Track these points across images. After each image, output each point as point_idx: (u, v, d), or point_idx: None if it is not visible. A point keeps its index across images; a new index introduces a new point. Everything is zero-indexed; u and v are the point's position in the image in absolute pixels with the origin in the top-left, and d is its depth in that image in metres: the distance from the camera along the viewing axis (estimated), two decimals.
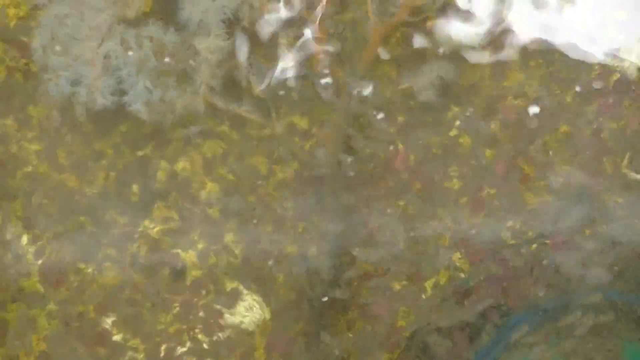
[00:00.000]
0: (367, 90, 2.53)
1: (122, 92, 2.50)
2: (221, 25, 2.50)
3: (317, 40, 2.53)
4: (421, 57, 2.53)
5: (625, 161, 2.55)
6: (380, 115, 2.54)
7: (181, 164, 2.55)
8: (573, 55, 2.54)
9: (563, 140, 2.55)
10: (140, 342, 2.52)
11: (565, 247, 2.54)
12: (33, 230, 2.53)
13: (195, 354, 2.52)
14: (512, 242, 2.54)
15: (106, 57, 2.49)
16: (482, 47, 2.54)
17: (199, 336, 2.52)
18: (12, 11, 2.54)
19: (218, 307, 2.53)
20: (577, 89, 2.55)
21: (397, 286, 2.54)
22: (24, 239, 2.53)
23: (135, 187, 2.54)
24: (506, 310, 2.55)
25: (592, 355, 2.57)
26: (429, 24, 2.52)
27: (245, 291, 2.53)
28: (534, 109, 2.55)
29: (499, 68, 2.55)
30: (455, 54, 2.53)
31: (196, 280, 2.53)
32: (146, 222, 2.53)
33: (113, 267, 2.52)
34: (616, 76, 2.54)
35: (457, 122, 2.55)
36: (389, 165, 2.54)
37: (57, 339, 2.51)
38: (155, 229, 2.53)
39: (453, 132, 2.55)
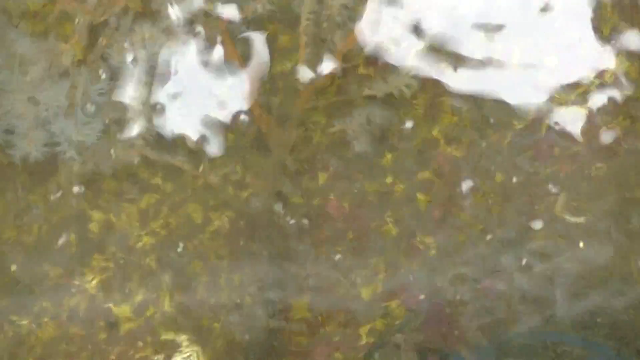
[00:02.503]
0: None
1: (55, 144, 2.50)
2: (152, 75, 2.50)
3: (250, 91, 2.53)
4: (352, 103, 2.54)
5: (559, 204, 2.56)
6: (312, 164, 2.54)
7: (116, 216, 2.54)
8: (506, 100, 2.55)
9: (498, 185, 2.56)
10: None
11: (500, 290, 2.55)
12: None
13: None
14: (449, 287, 2.55)
15: (37, 109, 2.48)
16: (414, 93, 2.55)
17: None
18: None
19: (155, 359, 2.53)
20: (511, 134, 2.56)
21: (333, 333, 2.54)
22: None
23: (70, 239, 2.53)
24: (445, 355, 2.55)
25: None
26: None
27: (182, 342, 2.53)
28: (467, 154, 2.56)
29: (432, 112, 2.56)
30: (387, 99, 2.54)
31: (132, 332, 2.52)
32: (82, 274, 2.53)
33: (50, 320, 2.52)
34: (548, 122, 2.55)
35: (391, 169, 2.55)
36: (322, 213, 2.54)
37: None
38: (92, 281, 2.53)
39: (387, 179, 2.56)
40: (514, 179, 2.56)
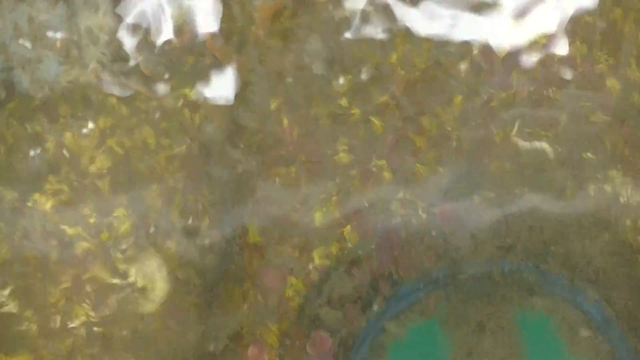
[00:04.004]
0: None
1: (10, 68, 2.50)
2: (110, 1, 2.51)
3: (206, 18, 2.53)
4: (309, 28, 2.54)
5: (515, 130, 2.56)
6: (267, 87, 2.54)
7: (70, 138, 2.55)
8: (461, 26, 2.55)
9: (455, 110, 2.57)
10: (33, 314, 2.53)
11: (455, 216, 2.55)
12: None
13: (86, 326, 2.54)
14: (402, 212, 2.56)
15: None
16: (371, 17, 2.54)
17: (90, 309, 2.54)
18: None
19: (109, 280, 2.54)
20: (467, 61, 2.56)
21: (287, 256, 2.55)
22: None
23: (24, 161, 2.54)
24: (397, 280, 2.57)
25: (485, 322, 2.60)
26: None
27: (136, 264, 2.54)
28: (423, 79, 2.56)
29: (388, 38, 2.55)
30: (345, 25, 2.53)
31: (86, 254, 2.54)
32: (36, 196, 2.54)
33: (4, 240, 2.53)
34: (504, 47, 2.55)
35: (346, 93, 2.55)
36: (276, 137, 2.55)
37: None
38: (46, 203, 2.54)
39: (342, 102, 2.56)
40: (471, 104, 2.56)
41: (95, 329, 2.54)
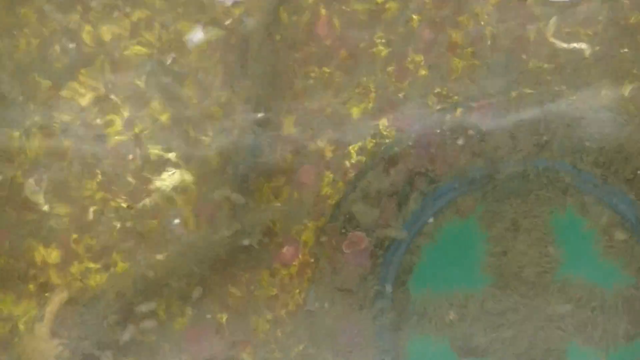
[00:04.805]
0: None
1: None
2: None
3: None
4: None
5: (551, 29, 2.55)
6: None
7: (107, 30, 2.53)
8: None
9: (492, 9, 2.55)
10: (68, 207, 2.52)
11: (492, 113, 2.54)
12: None
13: (121, 219, 2.52)
14: (438, 107, 2.54)
15: None
16: None
17: (125, 203, 2.52)
18: None
19: (144, 172, 2.53)
20: None
21: (322, 151, 2.54)
22: None
23: (60, 53, 2.53)
24: (434, 177, 2.55)
25: (520, 222, 2.59)
26: None
27: (171, 157, 2.53)
28: None
29: None
30: None
31: (121, 146, 2.52)
32: (72, 87, 2.52)
33: (39, 133, 2.52)
34: None
35: None
36: (312, 31, 2.53)
37: None
38: (81, 95, 2.52)
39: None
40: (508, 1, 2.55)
41: (129, 223, 2.53)
